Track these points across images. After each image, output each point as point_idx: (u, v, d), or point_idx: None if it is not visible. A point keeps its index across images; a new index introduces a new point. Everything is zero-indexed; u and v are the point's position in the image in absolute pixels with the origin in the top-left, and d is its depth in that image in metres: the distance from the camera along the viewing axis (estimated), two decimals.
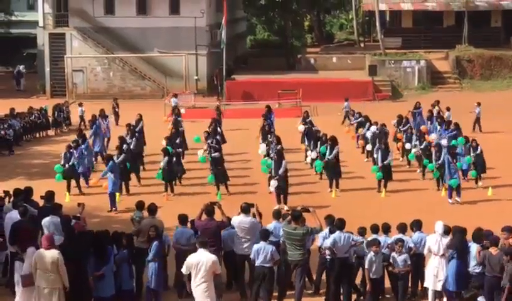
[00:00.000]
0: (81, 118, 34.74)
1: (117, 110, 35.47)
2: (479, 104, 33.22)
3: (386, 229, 15.18)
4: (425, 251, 14.78)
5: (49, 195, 16.44)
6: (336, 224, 14.65)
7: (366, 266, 14.28)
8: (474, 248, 13.94)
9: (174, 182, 23.56)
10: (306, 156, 26.53)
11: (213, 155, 23.25)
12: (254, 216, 15.36)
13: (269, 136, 25.87)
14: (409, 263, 14.57)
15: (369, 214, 19.59)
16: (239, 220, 15.13)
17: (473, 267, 13.90)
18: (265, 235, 14.46)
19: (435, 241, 14.46)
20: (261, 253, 14.19)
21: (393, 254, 14.61)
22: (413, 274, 15.02)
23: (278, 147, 23.19)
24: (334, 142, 23.64)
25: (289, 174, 22.16)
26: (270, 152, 23.61)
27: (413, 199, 22.57)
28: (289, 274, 14.72)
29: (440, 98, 35.29)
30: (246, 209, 15.22)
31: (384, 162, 23.07)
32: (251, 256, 14.41)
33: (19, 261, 14.26)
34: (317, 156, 24.38)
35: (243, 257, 15.03)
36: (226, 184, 23.16)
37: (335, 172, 23.45)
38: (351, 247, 14.48)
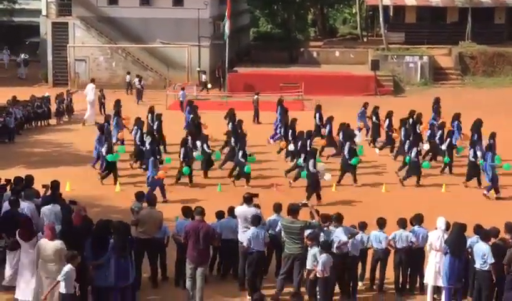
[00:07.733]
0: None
1: (103, 100, 36.08)
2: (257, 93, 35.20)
3: (381, 224, 15.15)
4: (427, 247, 14.75)
5: (54, 185, 16.42)
6: (335, 218, 14.69)
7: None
8: (482, 245, 13.81)
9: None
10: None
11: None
12: (256, 206, 15.39)
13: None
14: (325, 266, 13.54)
15: (368, 209, 19.59)
16: (242, 210, 15.25)
17: (480, 265, 13.78)
18: (257, 220, 14.64)
19: (437, 237, 14.44)
20: (255, 238, 14.46)
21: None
22: (412, 269, 15.04)
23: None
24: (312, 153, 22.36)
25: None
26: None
27: (414, 195, 22.56)
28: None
29: (442, 94, 35.20)
30: (248, 199, 15.30)
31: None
32: (245, 243, 14.58)
33: (10, 251, 14.39)
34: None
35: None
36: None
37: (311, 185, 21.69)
38: (348, 239, 14.44)
